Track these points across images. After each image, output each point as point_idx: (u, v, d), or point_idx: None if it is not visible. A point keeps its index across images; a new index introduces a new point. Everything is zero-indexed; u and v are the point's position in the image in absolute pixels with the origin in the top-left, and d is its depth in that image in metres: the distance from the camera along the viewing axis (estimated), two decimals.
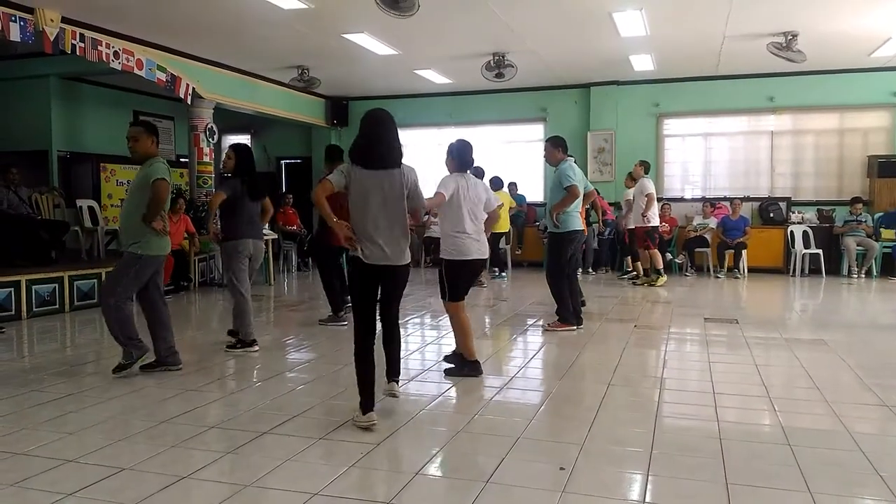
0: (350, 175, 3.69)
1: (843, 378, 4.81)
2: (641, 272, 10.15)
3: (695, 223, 11.55)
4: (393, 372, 3.97)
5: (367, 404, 3.69)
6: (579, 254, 6.93)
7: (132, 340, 4.84)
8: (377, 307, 3.90)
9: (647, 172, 9.97)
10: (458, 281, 4.83)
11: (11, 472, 3.09)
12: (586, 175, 8.65)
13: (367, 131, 3.76)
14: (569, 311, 6.51)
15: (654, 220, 9.80)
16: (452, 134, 12.87)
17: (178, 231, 9.30)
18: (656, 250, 9.96)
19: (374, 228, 3.68)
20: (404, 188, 3.76)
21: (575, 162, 6.72)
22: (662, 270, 10.03)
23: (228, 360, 5.44)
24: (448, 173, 4.94)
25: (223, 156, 6.25)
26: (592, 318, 7.11)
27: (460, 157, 4.91)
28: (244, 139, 15.04)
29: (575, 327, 6.50)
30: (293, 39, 9.25)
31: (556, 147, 6.56)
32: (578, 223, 6.52)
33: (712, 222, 11.39)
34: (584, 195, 6.71)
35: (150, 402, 4.23)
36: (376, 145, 3.72)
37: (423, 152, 13.02)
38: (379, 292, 3.87)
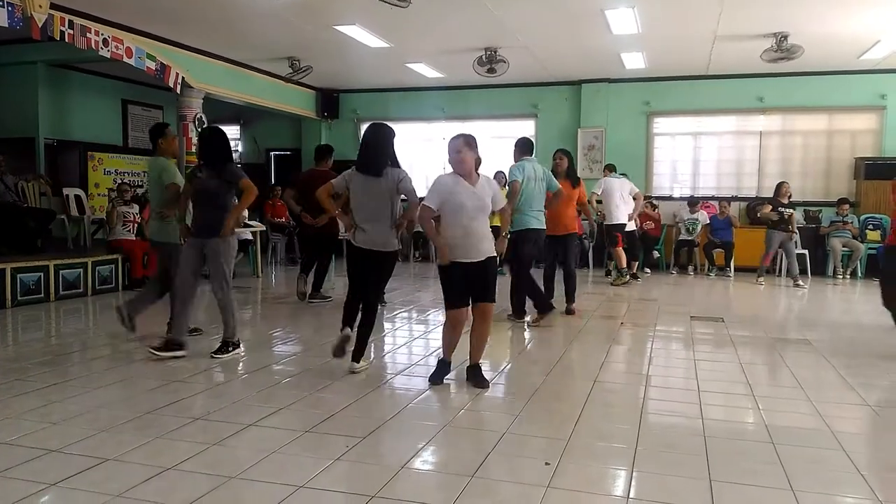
0: (349, 179, 4.62)
1: (827, 377, 4.85)
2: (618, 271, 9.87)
3: (684, 217, 11.42)
4: (358, 353, 4.67)
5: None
6: (535, 251, 6.78)
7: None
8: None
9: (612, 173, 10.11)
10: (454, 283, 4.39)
11: None
12: (577, 172, 8.46)
13: (361, 143, 4.68)
14: (543, 297, 6.67)
15: (615, 218, 9.62)
16: (443, 128, 12.90)
17: None
18: (620, 248, 9.73)
19: (362, 220, 4.57)
20: (392, 191, 4.54)
21: (539, 163, 6.69)
22: (625, 271, 9.80)
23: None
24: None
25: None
26: (579, 314, 7.13)
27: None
28: (233, 129, 14.96)
29: (553, 308, 6.71)
30: (284, 30, 9.19)
31: (516, 148, 6.71)
32: (533, 222, 6.48)
33: (702, 216, 11.36)
34: (555, 194, 6.67)
35: (135, 392, 4.21)
36: (364, 156, 4.62)
37: (413, 146, 13.03)
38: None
